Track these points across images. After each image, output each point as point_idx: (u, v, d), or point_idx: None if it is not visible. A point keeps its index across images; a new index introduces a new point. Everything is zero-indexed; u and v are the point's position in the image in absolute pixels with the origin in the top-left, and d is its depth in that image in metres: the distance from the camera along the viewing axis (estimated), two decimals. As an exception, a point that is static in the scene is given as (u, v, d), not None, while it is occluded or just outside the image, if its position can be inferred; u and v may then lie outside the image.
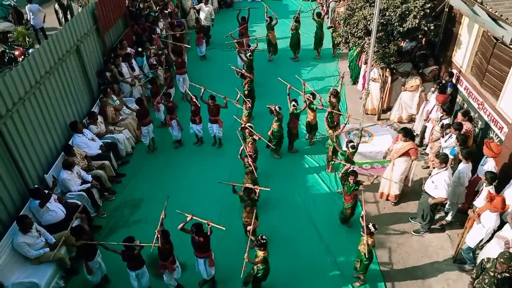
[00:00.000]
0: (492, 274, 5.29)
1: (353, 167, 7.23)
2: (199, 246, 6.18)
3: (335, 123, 8.90)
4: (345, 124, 8.36)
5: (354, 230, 6.92)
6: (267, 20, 12.96)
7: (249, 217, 6.70)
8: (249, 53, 10.75)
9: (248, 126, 8.33)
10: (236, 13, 13.34)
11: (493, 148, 6.76)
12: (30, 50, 11.85)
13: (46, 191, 6.92)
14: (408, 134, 7.42)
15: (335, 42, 13.10)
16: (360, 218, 6.19)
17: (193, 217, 6.05)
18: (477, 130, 7.99)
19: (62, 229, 6.73)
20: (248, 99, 9.58)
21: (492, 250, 5.87)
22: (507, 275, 5.21)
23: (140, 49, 11.70)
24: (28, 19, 13.90)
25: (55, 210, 6.87)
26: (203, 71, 12.95)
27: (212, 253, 6.32)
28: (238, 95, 9.35)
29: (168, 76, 11.04)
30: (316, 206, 8.05)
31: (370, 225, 6.06)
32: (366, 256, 6.10)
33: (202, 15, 14.52)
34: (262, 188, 6.83)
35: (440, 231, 7.41)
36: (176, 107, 9.71)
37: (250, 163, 7.43)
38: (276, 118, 8.77)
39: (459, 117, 7.78)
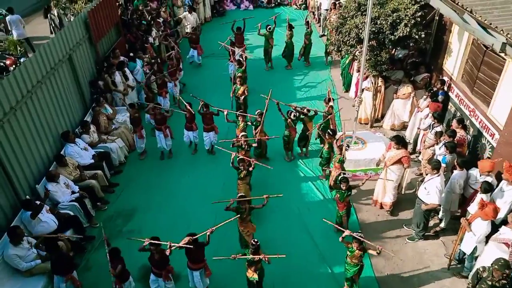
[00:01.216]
0: (490, 283, 5.27)
1: (343, 173, 7.24)
2: (194, 256, 6.11)
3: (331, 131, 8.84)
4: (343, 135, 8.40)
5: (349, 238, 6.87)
6: (268, 28, 12.93)
7: (246, 227, 6.76)
8: (242, 59, 10.92)
9: (243, 135, 8.38)
10: (228, 21, 13.42)
11: (486, 165, 6.70)
12: (22, 59, 11.77)
13: (38, 202, 6.83)
14: (400, 141, 7.46)
15: (327, 50, 13.26)
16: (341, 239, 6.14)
17: (151, 241, 5.94)
18: (469, 137, 8.06)
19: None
20: (241, 112, 9.51)
21: (493, 254, 5.79)
22: (505, 281, 5.21)
23: (132, 54, 11.65)
24: (10, 30, 13.73)
25: (47, 221, 6.79)
26: (196, 80, 12.95)
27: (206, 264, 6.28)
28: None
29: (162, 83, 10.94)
30: (311, 213, 8.04)
31: (355, 234, 5.94)
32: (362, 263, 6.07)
33: (187, 24, 14.69)
34: (274, 196, 6.81)
35: (434, 238, 7.43)
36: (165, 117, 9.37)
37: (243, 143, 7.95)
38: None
39: (454, 124, 7.84)
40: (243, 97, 10.34)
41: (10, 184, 6.80)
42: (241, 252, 6.44)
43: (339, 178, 7.14)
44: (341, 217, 7.33)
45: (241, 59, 11.19)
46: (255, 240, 5.93)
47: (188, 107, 9.09)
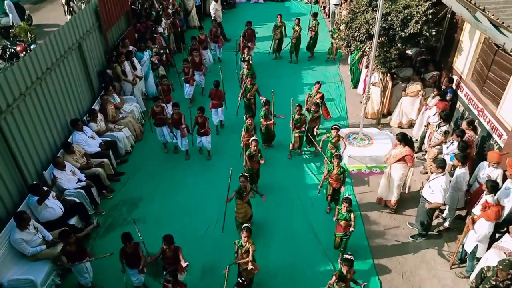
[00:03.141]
0: (493, 282, 5.27)
1: (348, 194, 6.74)
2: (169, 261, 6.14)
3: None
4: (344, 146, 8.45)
5: (353, 233, 6.87)
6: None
7: (242, 207, 6.90)
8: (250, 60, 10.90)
9: (254, 140, 7.89)
10: (239, 13, 13.39)
11: (496, 154, 6.74)
12: (32, 46, 11.85)
13: (45, 188, 6.91)
14: (404, 139, 7.40)
15: (331, 46, 13.12)
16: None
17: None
18: (477, 137, 7.99)
19: (59, 226, 6.73)
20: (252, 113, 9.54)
21: (491, 260, 5.84)
22: (509, 282, 5.19)
23: (139, 45, 11.60)
24: (9, 14, 13.79)
25: (53, 207, 6.86)
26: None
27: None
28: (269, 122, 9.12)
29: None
30: (314, 210, 8.05)
31: (347, 256, 5.72)
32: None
33: (214, 10, 14.56)
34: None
35: (437, 237, 7.41)
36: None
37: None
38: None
39: (464, 125, 7.72)
40: (253, 97, 9.99)
41: (18, 170, 6.88)
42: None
43: (342, 196, 6.87)
44: (336, 239, 6.82)
45: (249, 59, 11.05)
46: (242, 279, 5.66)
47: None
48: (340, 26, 11.89)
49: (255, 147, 7.79)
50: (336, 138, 8.28)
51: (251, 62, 10.94)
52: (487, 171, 6.91)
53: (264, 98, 9.09)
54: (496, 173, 6.80)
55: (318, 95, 9.59)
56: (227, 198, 7.02)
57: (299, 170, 9.11)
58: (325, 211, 7.95)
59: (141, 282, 6.45)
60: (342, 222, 6.56)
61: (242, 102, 10.12)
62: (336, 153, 7.57)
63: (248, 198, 7.10)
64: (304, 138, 9.26)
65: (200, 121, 8.86)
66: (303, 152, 9.54)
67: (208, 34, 13.13)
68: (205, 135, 9.01)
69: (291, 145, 9.26)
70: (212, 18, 14.70)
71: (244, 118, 8.92)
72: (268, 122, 9.07)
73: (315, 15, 13.15)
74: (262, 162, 7.96)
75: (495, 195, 6.35)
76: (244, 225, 6.28)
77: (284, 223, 7.80)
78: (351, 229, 6.52)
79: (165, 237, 5.95)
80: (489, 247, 6.20)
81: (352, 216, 6.51)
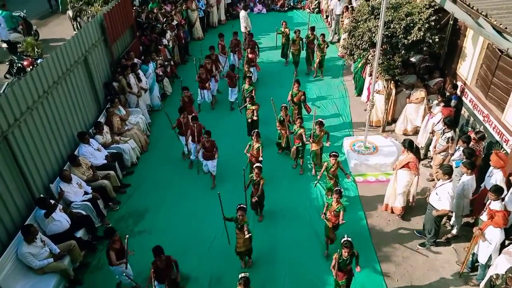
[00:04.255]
0: None
1: (347, 237, 5.81)
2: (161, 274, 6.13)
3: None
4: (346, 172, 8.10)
5: (359, 242, 6.81)
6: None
7: (241, 239, 6.59)
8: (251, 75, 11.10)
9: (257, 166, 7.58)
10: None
11: (502, 158, 6.71)
12: (39, 61, 12.02)
13: (52, 201, 6.95)
14: (409, 146, 7.36)
15: (315, 60, 12.95)
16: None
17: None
18: (484, 143, 7.94)
19: (66, 239, 6.76)
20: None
21: (501, 266, 5.76)
22: (518, 290, 5.13)
23: (143, 58, 11.67)
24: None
25: (60, 220, 6.89)
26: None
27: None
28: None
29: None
30: (321, 220, 7.97)
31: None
32: None
33: (244, 19, 14.70)
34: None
35: (446, 245, 7.33)
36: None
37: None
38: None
39: (473, 138, 7.63)
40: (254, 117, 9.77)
41: (25, 183, 6.94)
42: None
43: (341, 241, 5.84)
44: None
45: (251, 75, 11.12)
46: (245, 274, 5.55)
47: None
48: (324, 37, 12.38)
49: (257, 175, 7.43)
50: (335, 166, 7.67)
51: (252, 78, 11.11)
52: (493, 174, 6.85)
53: (284, 105, 9.10)
54: (497, 176, 6.76)
55: (300, 93, 9.88)
56: (224, 217, 6.66)
57: (304, 180, 9.01)
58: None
59: None
60: (344, 270, 5.89)
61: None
62: (336, 188, 6.92)
63: (247, 232, 6.45)
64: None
65: (207, 145, 8.55)
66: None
67: (229, 44, 12.98)
68: (211, 159, 8.67)
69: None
70: (243, 28, 14.68)
71: (251, 136, 8.55)
72: (282, 130, 9.19)
73: (312, 28, 12.84)
74: (254, 200, 7.55)
75: (502, 200, 6.29)
76: (256, 164, 7.43)
77: (291, 234, 7.73)
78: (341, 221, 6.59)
79: (155, 250, 5.95)
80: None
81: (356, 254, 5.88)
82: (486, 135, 7.67)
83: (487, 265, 6.31)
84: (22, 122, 6.87)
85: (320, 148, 8.75)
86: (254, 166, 7.58)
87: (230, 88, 11.35)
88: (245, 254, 6.88)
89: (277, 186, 8.74)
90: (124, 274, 6.23)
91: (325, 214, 6.91)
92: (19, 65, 12.08)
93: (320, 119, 8.56)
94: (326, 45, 12.58)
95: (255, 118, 9.76)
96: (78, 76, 8.95)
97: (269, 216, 8.06)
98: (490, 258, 6.18)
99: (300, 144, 8.87)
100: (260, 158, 8.28)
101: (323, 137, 8.62)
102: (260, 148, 8.32)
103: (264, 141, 9.55)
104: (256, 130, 8.77)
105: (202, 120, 9.42)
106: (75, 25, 14.73)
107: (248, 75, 11.09)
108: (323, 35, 12.60)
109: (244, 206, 6.60)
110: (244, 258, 6.99)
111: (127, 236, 6.31)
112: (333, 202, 6.76)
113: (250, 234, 6.49)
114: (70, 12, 14.86)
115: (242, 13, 14.82)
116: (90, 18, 13.65)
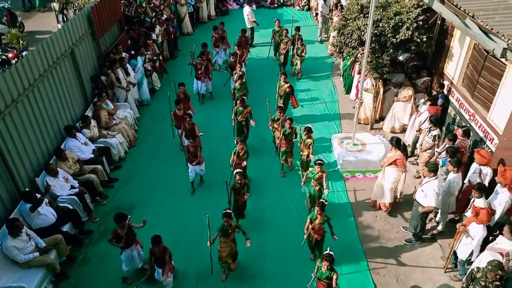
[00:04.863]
0: (483, 283, 5.34)
1: (329, 251, 5.76)
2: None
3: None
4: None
5: (346, 237, 6.90)
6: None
7: (226, 244, 6.50)
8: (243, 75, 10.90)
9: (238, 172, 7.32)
10: (231, 20, 13.44)
11: (484, 155, 6.85)
12: (24, 53, 11.80)
13: (38, 195, 6.84)
14: (396, 144, 7.47)
15: (296, 64, 12.78)
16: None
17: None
18: (469, 141, 8.09)
19: (53, 233, 6.67)
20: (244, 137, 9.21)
21: (485, 262, 5.84)
22: (498, 283, 5.26)
23: (133, 52, 11.55)
24: None
25: (46, 214, 6.80)
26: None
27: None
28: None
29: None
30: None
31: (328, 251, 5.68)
32: None
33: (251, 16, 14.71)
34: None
35: (431, 240, 7.46)
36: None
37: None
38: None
39: (459, 134, 7.77)
40: (245, 119, 9.40)
41: (10, 176, 6.82)
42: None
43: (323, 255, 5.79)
44: None
45: (242, 74, 10.82)
46: None
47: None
48: (303, 41, 12.38)
49: (239, 180, 7.21)
50: (319, 173, 7.38)
51: (244, 78, 10.77)
52: (477, 169, 6.99)
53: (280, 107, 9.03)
54: (486, 171, 6.89)
55: (286, 85, 9.98)
56: (209, 241, 6.34)
57: (293, 178, 9.02)
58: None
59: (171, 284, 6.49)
60: (323, 281, 5.83)
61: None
62: (320, 200, 6.68)
63: (233, 236, 6.47)
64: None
65: (192, 150, 8.32)
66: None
67: (236, 43, 12.53)
68: (198, 164, 8.47)
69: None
70: (249, 24, 14.64)
71: (235, 142, 8.34)
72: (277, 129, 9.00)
73: (297, 28, 12.72)
74: (246, 196, 7.31)
75: (486, 198, 6.42)
76: (236, 170, 7.22)
77: (279, 230, 7.77)
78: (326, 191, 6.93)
79: (154, 239, 6.08)
80: (481, 250, 6.25)
81: (334, 277, 5.70)
82: (471, 131, 7.83)
83: (467, 261, 6.45)
84: (7, 114, 6.75)
85: (306, 155, 8.53)
86: (235, 172, 7.31)
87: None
88: (229, 258, 6.64)
89: (264, 190, 8.67)
90: (132, 257, 6.50)
91: (307, 229, 6.65)
92: (4, 57, 11.85)
93: (309, 126, 8.46)
94: (288, 40, 12.59)
95: (241, 119, 9.35)
96: (65, 69, 8.82)
97: (255, 219, 8.01)
98: (471, 254, 6.31)
99: (288, 146, 8.82)
100: (244, 163, 8.16)
101: (310, 144, 8.37)
102: (246, 154, 8.19)
103: (257, 141, 9.58)
104: (239, 136, 8.85)
105: (202, 112, 9.31)
106: (60, 18, 14.48)
107: (239, 73, 10.71)
108: (286, 30, 12.66)
109: (229, 211, 6.39)
110: (225, 269, 6.77)
111: (129, 216, 6.39)
112: (316, 215, 6.47)
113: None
114: (55, 5, 14.61)
115: (247, 9, 14.84)
116: (77, 10, 13.46)
